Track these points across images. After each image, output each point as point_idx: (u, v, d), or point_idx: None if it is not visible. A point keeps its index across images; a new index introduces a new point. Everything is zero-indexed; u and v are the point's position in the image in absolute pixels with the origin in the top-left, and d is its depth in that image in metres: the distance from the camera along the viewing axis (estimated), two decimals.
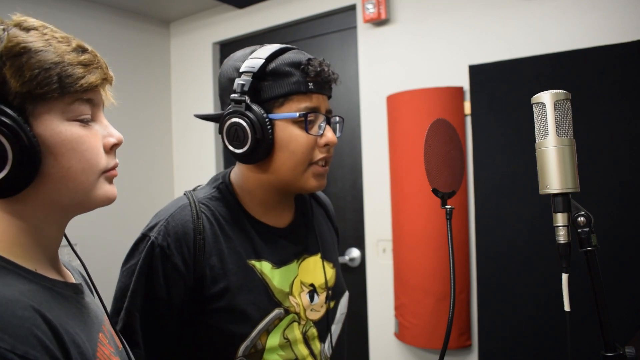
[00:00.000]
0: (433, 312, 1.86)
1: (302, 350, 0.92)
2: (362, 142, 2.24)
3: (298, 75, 0.87)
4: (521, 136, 1.69)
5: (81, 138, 0.57)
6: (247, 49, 0.93)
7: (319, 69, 0.88)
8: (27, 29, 0.55)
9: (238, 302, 0.86)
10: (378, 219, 2.18)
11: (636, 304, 1.49)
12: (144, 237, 0.87)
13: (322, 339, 0.97)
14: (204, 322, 0.86)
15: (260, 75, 0.87)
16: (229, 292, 0.86)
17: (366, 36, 2.20)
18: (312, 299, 0.96)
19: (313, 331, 0.95)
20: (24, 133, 0.52)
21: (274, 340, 0.88)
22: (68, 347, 0.52)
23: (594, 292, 0.65)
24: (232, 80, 0.88)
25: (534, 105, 0.69)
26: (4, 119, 0.51)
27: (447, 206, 0.80)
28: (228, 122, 0.87)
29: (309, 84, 0.88)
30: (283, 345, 0.89)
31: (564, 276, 0.66)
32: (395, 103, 1.98)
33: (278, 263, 0.93)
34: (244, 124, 0.85)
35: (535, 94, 0.68)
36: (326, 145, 0.91)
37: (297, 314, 0.93)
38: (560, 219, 0.66)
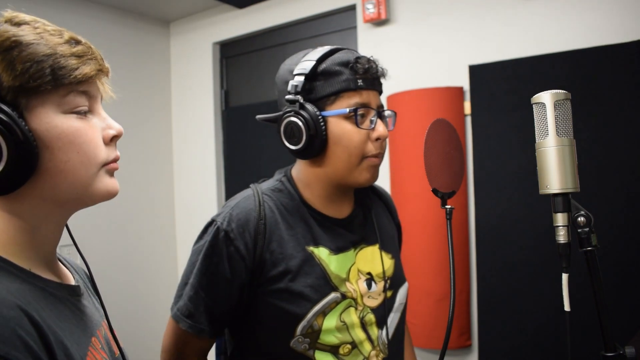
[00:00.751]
0: (433, 312, 1.86)
1: (359, 334, 0.96)
2: None
3: (347, 74, 0.92)
4: (521, 136, 1.69)
5: (78, 131, 0.56)
6: (301, 53, 0.99)
7: (367, 66, 0.92)
8: (18, 24, 0.54)
9: (296, 284, 0.91)
10: None
11: (636, 304, 1.49)
12: (212, 222, 0.95)
13: (380, 326, 1.00)
14: (265, 302, 0.92)
15: (312, 75, 0.93)
16: (288, 274, 0.92)
17: (366, 36, 2.20)
18: (369, 286, 1.00)
19: (371, 317, 0.99)
20: (19, 128, 0.50)
21: (330, 322, 0.92)
22: (53, 348, 0.51)
23: (594, 292, 0.65)
24: (287, 83, 0.94)
25: (534, 105, 0.68)
26: None
27: (447, 206, 0.80)
28: (284, 122, 0.93)
29: (358, 80, 0.92)
30: (340, 328, 0.93)
31: (564, 276, 0.66)
32: (395, 103, 1.98)
33: (335, 250, 0.98)
34: (299, 122, 0.91)
35: (535, 94, 0.68)
36: (378, 139, 0.94)
37: (354, 299, 0.97)
38: (560, 219, 0.66)
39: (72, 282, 0.65)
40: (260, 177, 1.07)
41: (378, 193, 1.18)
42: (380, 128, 0.94)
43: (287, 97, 0.92)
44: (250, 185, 1.01)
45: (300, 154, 0.95)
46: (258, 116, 1.03)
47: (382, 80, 0.99)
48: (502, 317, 1.75)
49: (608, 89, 1.58)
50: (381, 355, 0.99)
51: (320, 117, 0.91)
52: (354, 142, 0.92)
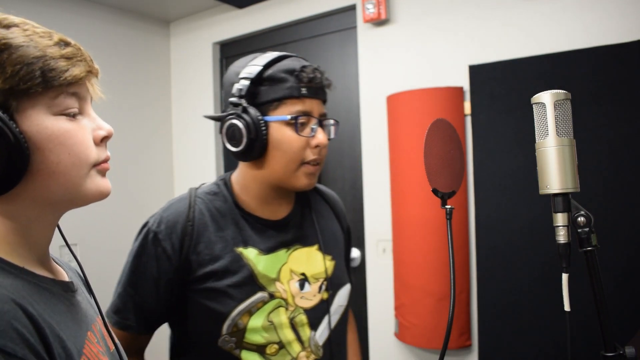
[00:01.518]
0: (433, 312, 1.86)
1: (288, 334, 0.98)
2: (362, 142, 2.24)
3: (292, 81, 0.95)
4: (521, 136, 1.69)
5: (69, 132, 0.56)
6: (250, 56, 1.01)
7: (311, 75, 0.96)
8: (7, 26, 0.55)
9: (221, 283, 0.94)
10: (378, 219, 2.18)
11: (636, 304, 1.49)
12: (146, 223, 0.99)
13: (313, 327, 1.01)
14: (193, 301, 0.95)
15: (258, 80, 0.96)
16: (214, 275, 0.95)
17: (366, 36, 2.20)
18: (302, 287, 1.01)
19: (302, 318, 1.00)
20: (10, 130, 0.51)
21: (256, 321, 0.94)
22: (50, 340, 0.51)
23: (594, 292, 0.65)
24: (233, 85, 0.97)
25: (533, 105, 0.68)
26: None
27: (447, 206, 0.80)
28: (226, 123, 0.96)
29: (302, 89, 0.96)
30: (267, 327, 0.95)
31: (564, 276, 0.65)
32: (395, 103, 1.98)
33: (265, 250, 1.00)
34: (240, 124, 0.94)
35: (535, 94, 0.68)
36: (317, 146, 0.98)
37: (284, 299, 0.98)
38: (560, 219, 0.66)
39: (66, 278, 0.66)
40: None
41: (324, 196, 1.19)
42: (320, 136, 0.98)
43: (231, 99, 0.95)
44: (189, 189, 1.04)
45: (240, 156, 0.98)
46: (205, 114, 1.07)
47: (329, 90, 1.02)
48: (502, 317, 1.75)
49: (608, 89, 1.58)
50: (312, 356, 1.00)
51: (262, 121, 0.94)
52: (293, 148, 0.96)
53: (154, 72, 2.89)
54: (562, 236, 0.66)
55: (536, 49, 1.74)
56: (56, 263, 0.68)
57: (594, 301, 0.64)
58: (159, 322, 1.01)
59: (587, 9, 1.68)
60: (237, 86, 0.95)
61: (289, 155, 0.96)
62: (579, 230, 0.65)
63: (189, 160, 2.90)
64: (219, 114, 1.00)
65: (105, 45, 2.60)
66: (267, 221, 1.03)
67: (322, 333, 1.02)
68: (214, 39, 2.78)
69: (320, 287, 1.04)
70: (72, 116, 0.57)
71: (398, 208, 1.99)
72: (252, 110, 0.94)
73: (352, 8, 2.27)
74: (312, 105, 0.97)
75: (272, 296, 0.97)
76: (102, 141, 0.61)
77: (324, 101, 1.02)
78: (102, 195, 0.61)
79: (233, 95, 0.95)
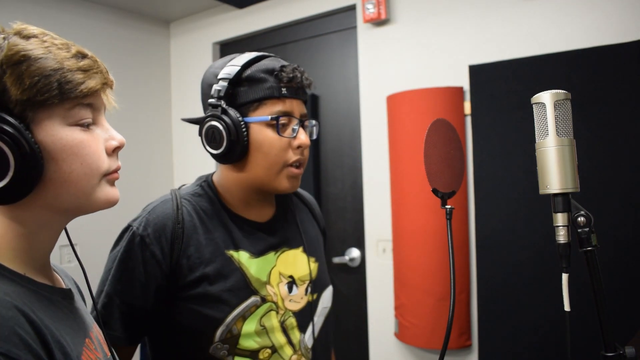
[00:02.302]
0: (433, 312, 1.86)
1: (280, 338, 0.96)
2: (362, 142, 2.24)
3: (272, 81, 0.93)
4: (521, 136, 1.69)
5: (82, 142, 0.57)
6: (227, 57, 0.98)
7: (291, 75, 0.93)
8: (27, 37, 0.56)
9: (214, 289, 0.91)
10: (378, 219, 2.18)
11: (636, 304, 1.49)
12: (128, 227, 0.93)
13: (302, 329, 1.00)
14: (184, 307, 0.90)
15: (237, 81, 0.93)
16: (206, 279, 0.91)
17: (366, 36, 2.20)
18: (290, 289, 1.00)
19: (292, 321, 0.99)
20: (26, 140, 0.52)
21: (249, 326, 0.92)
22: (51, 346, 0.52)
23: (594, 292, 0.65)
24: (211, 86, 0.94)
25: (534, 105, 0.69)
26: (5, 127, 0.51)
27: (447, 206, 0.80)
28: (206, 125, 0.93)
29: (282, 89, 0.94)
30: (259, 332, 0.93)
31: (564, 276, 0.66)
32: (395, 103, 1.98)
33: (256, 253, 0.98)
34: (220, 126, 0.91)
35: (535, 94, 0.68)
36: (299, 147, 0.96)
37: (275, 303, 0.97)
38: (560, 219, 0.66)
39: (64, 286, 0.67)
40: None
41: (302, 199, 1.19)
42: (302, 136, 0.96)
43: (210, 100, 0.93)
44: (170, 190, 1.00)
45: (221, 159, 0.95)
46: (182, 117, 1.05)
47: (309, 90, 1.00)
48: (502, 317, 1.75)
49: (608, 89, 1.58)
50: (303, 359, 0.99)
51: (242, 123, 0.91)
52: (274, 149, 0.93)
53: (154, 72, 2.89)
54: (562, 236, 0.66)
55: (536, 49, 1.74)
56: (54, 271, 0.69)
57: (594, 301, 0.64)
58: (145, 333, 0.95)
59: (586, 9, 1.68)
60: (215, 87, 0.92)
61: (270, 157, 0.93)
62: (579, 230, 0.65)
63: (189, 160, 2.90)
64: (197, 116, 0.97)
65: (105, 45, 2.60)
66: (255, 223, 1.01)
67: (309, 336, 1.02)
68: (214, 39, 2.78)
69: (306, 290, 1.03)
70: (86, 126, 0.59)
71: (398, 208, 1.99)
72: (232, 112, 0.91)
73: (352, 8, 2.27)
74: (293, 106, 0.95)
75: (263, 300, 0.95)
76: (114, 151, 0.63)
77: (305, 101, 1.00)
78: (110, 204, 0.63)
79: (212, 97, 0.93)
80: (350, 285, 2.33)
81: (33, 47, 0.55)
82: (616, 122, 1.57)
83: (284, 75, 0.93)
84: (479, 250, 1.82)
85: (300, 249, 1.06)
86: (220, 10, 2.72)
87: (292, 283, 1.01)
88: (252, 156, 0.94)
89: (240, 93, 0.93)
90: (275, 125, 0.93)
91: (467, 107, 1.88)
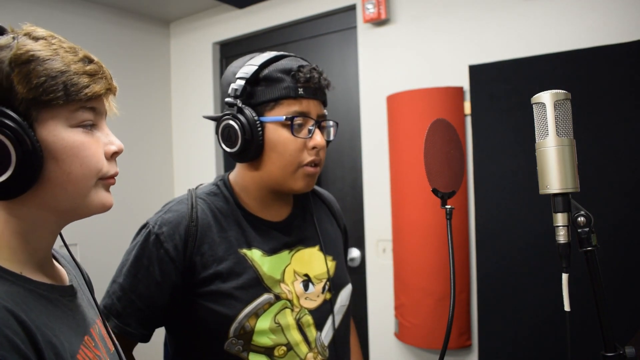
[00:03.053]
0: (433, 312, 1.86)
1: (295, 335, 0.96)
2: (362, 142, 2.24)
3: (289, 81, 0.94)
4: (521, 136, 1.69)
5: (83, 144, 0.59)
6: (248, 56, 0.99)
7: (308, 75, 0.93)
8: (35, 38, 0.57)
9: (226, 286, 0.92)
10: (378, 219, 2.18)
11: (636, 304, 1.49)
12: (145, 224, 0.95)
13: (318, 327, 1.00)
14: (198, 304, 0.92)
15: (254, 80, 0.94)
16: (219, 277, 0.92)
17: (366, 36, 2.20)
18: (306, 288, 1.00)
19: (308, 319, 0.99)
20: (28, 137, 0.53)
21: (263, 323, 0.93)
22: (42, 347, 0.52)
23: (594, 292, 0.65)
24: (230, 85, 0.95)
25: (534, 105, 0.69)
26: (9, 122, 0.53)
27: (447, 206, 0.80)
28: (222, 124, 0.95)
29: (299, 89, 0.94)
30: (274, 329, 0.94)
31: (564, 276, 0.66)
32: (395, 103, 1.98)
33: (269, 251, 0.98)
34: (235, 125, 0.92)
35: (535, 94, 0.68)
36: (314, 148, 0.96)
37: (290, 300, 0.97)
38: (560, 219, 0.66)
39: (66, 282, 0.67)
40: None
41: (321, 197, 1.19)
42: (317, 137, 0.96)
43: (227, 99, 0.94)
44: (187, 190, 1.02)
45: (236, 157, 0.96)
46: (205, 115, 1.06)
47: (327, 90, 1.00)
48: (502, 317, 1.75)
49: (608, 89, 1.58)
50: (319, 357, 0.99)
51: (257, 122, 0.92)
52: (289, 149, 0.94)
53: (154, 72, 2.89)
54: (562, 236, 0.67)
55: (536, 49, 1.74)
56: (58, 262, 0.69)
57: (594, 301, 0.64)
58: (157, 327, 0.97)
59: (587, 9, 1.68)
60: (233, 86, 0.93)
61: (285, 157, 0.94)
62: (579, 230, 0.65)
63: (189, 160, 2.90)
64: (218, 114, 0.98)
65: (105, 45, 2.60)
66: (269, 222, 1.01)
67: (327, 333, 1.02)
68: (214, 39, 2.78)
69: (323, 288, 1.03)
70: (88, 129, 0.60)
71: (398, 208, 1.99)
72: (248, 111, 0.92)
73: (352, 8, 2.27)
74: (310, 106, 0.95)
75: (277, 297, 0.95)
76: (112, 156, 0.64)
77: (324, 102, 1.00)
78: (104, 208, 0.64)
79: (229, 96, 0.94)
80: None
81: (41, 49, 0.56)
82: (616, 122, 1.57)
83: (301, 75, 0.93)
84: (478, 250, 1.82)
85: (317, 247, 1.06)
86: (220, 10, 2.72)
87: (307, 281, 1.01)
88: (267, 155, 0.95)
89: (257, 92, 0.94)
90: (290, 125, 0.93)
91: (467, 107, 1.88)
